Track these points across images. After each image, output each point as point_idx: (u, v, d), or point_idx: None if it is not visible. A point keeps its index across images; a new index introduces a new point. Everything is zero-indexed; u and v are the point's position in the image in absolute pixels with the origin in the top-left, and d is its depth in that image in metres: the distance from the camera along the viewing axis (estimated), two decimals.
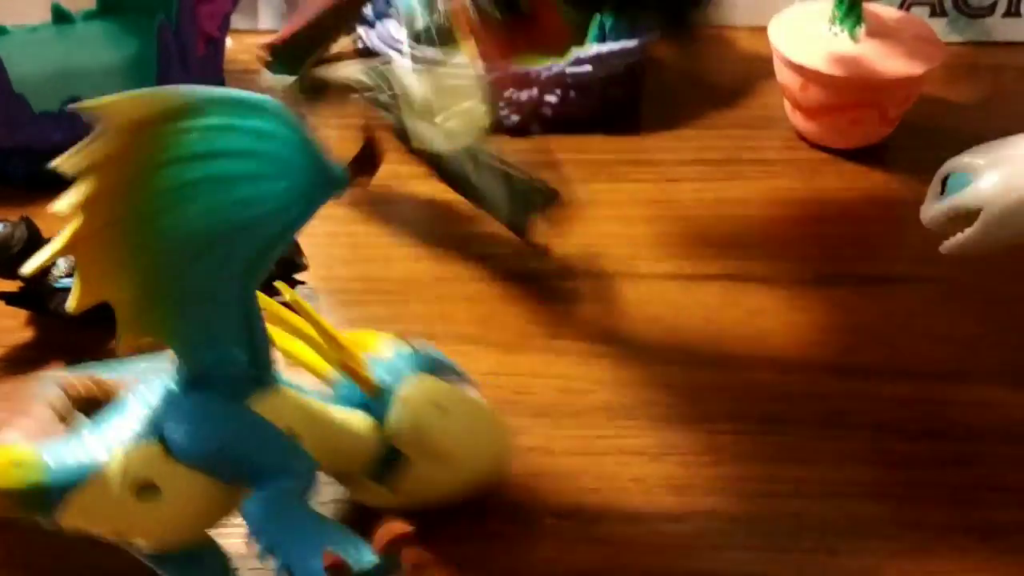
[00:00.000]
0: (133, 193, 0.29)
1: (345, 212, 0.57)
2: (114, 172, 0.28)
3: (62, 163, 0.28)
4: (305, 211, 0.31)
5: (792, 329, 0.47)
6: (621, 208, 0.56)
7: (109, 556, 0.34)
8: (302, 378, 0.36)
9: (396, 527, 0.30)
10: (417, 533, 0.30)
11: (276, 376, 0.34)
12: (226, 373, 0.32)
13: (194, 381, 0.32)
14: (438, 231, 0.55)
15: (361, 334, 0.38)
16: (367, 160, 0.32)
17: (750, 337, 0.45)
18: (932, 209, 0.39)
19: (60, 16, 0.61)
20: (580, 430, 0.42)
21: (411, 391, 0.36)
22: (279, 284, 0.37)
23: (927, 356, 0.40)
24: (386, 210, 0.57)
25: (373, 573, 0.30)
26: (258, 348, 0.33)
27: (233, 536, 0.34)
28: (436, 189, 0.59)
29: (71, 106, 0.28)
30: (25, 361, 0.46)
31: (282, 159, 0.30)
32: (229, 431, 0.32)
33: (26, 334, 0.47)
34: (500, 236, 0.54)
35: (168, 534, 0.32)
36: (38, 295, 0.45)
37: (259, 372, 0.33)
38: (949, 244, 0.41)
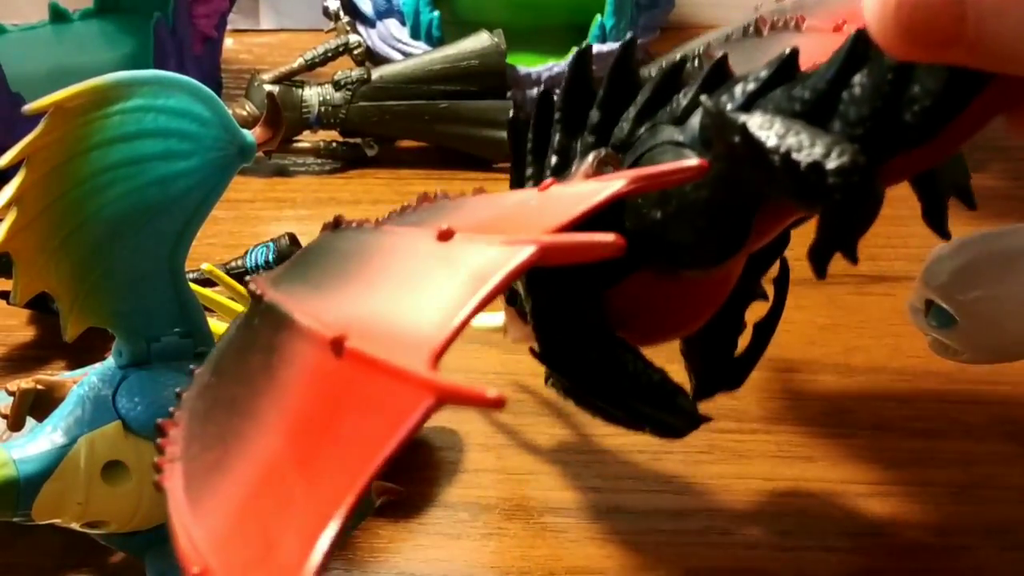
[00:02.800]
0: (61, 180, 0.30)
1: (345, 212, 0.57)
2: (45, 162, 0.29)
3: (2, 159, 0.29)
4: (220, 183, 0.32)
5: (792, 329, 0.47)
6: None
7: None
8: None
9: None
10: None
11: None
12: (167, 351, 0.33)
13: (137, 362, 0.33)
14: None
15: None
16: (272, 122, 0.34)
17: (750, 336, 0.45)
18: (918, 321, 0.39)
19: (57, 15, 0.61)
20: (581, 429, 0.42)
21: None
22: (211, 269, 0.38)
23: (927, 356, 0.40)
24: (386, 210, 0.57)
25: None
26: (195, 323, 0.34)
27: None
28: (435, 189, 0.59)
29: (24, 109, 0.29)
30: (25, 361, 0.46)
31: (193, 135, 0.31)
32: None
33: (27, 334, 0.47)
34: None
35: (141, 512, 0.33)
36: (39, 295, 0.45)
37: (198, 346, 0.34)
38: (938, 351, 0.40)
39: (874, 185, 0.25)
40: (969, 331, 0.38)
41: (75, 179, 0.30)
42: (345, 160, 0.60)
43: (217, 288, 0.38)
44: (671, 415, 0.32)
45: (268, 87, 0.59)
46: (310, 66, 0.60)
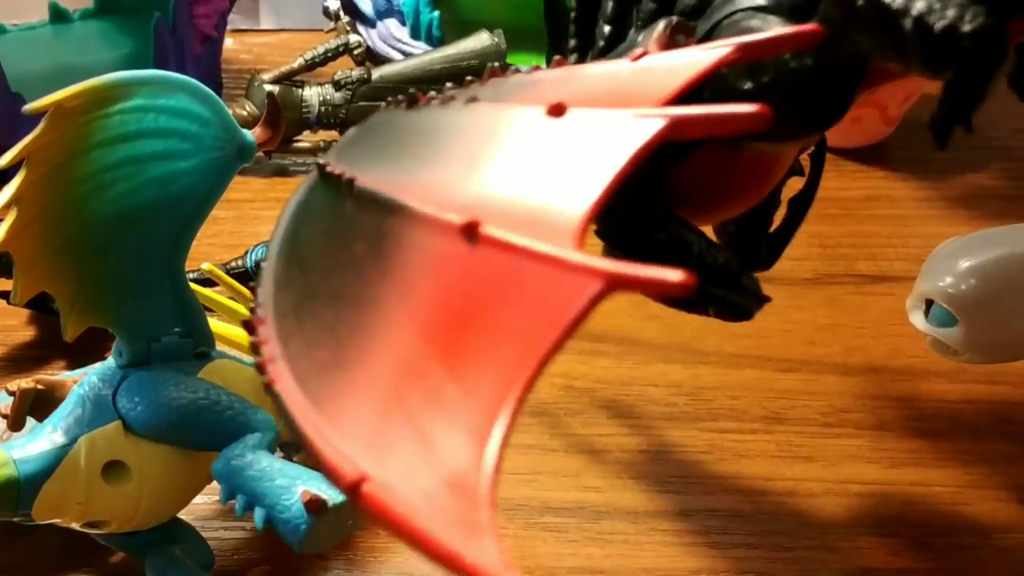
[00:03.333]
0: (61, 180, 0.30)
1: None
2: (45, 162, 0.29)
3: (2, 158, 0.29)
4: (219, 183, 0.32)
5: (792, 329, 0.47)
6: None
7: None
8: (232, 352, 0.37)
9: None
10: None
11: (215, 350, 0.35)
12: (167, 351, 0.33)
13: (138, 362, 0.33)
14: None
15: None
16: (272, 122, 0.34)
17: (750, 336, 0.45)
18: (917, 321, 0.39)
19: (58, 15, 0.61)
20: (581, 428, 0.42)
21: None
22: (211, 268, 0.38)
23: (927, 356, 0.40)
24: None
25: (348, 505, 0.31)
26: (195, 323, 0.34)
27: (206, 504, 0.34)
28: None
29: (24, 109, 0.29)
30: (26, 361, 0.46)
31: (193, 135, 0.31)
32: (184, 399, 0.33)
33: (27, 334, 0.47)
34: None
35: (141, 512, 0.33)
36: (39, 295, 0.45)
37: (198, 346, 0.34)
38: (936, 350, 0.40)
39: (1007, 47, 0.24)
40: (969, 331, 0.38)
41: (75, 179, 0.30)
42: None
43: (217, 288, 0.38)
44: (738, 294, 0.31)
45: (268, 87, 0.59)
46: (310, 66, 0.60)
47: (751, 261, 0.34)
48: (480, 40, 0.59)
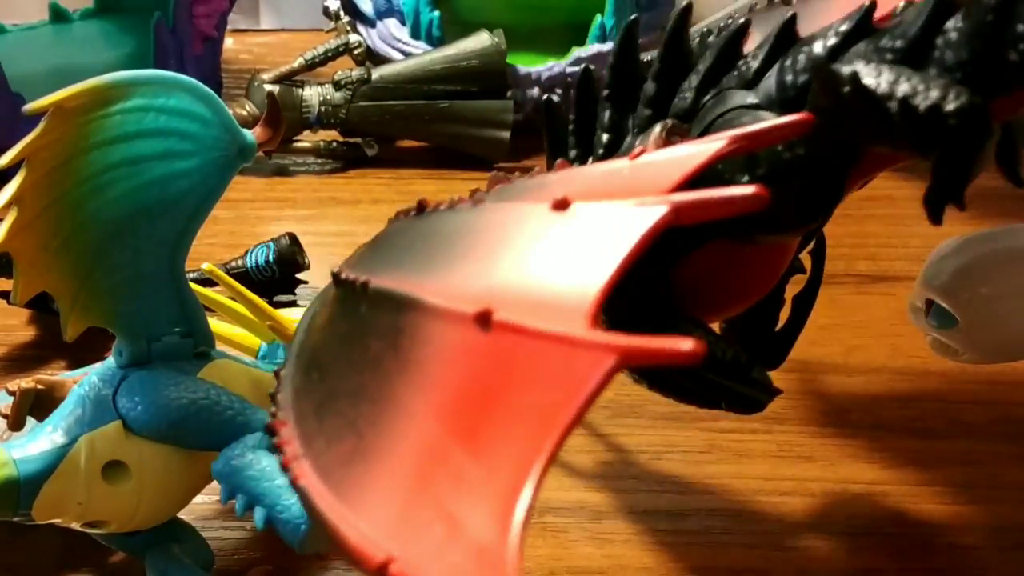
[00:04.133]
0: (61, 180, 0.30)
1: (345, 212, 0.57)
2: (45, 162, 0.29)
3: (2, 158, 0.29)
4: (220, 183, 0.32)
5: None
6: None
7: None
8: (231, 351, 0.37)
9: None
10: None
11: (215, 350, 0.35)
12: (167, 351, 0.33)
13: (138, 362, 0.33)
14: None
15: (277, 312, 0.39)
16: (272, 122, 0.34)
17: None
18: (919, 321, 0.39)
19: (58, 15, 0.61)
20: (581, 428, 0.42)
21: None
22: (211, 268, 0.38)
23: (927, 356, 0.40)
24: (386, 209, 0.57)
25: None
26: (195, 323, 0.34)
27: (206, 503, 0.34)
28: (436, 188, 0.59)
29: (24, 109, 0.29)
30: (26, 360, 0.46)
31: (193, 135, 0.31)
32: (184, 399, 0.33)
33: (27, 333, 0.47)
34: None
35: (141, 512, 0.33)
36: (39, 295, 0.45)
37: (198, 346, 0.34)
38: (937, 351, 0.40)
39: (991, 125, 0.25)
40: (970, 331, 0.38)
41: (75, 179, 0.30)
42: (345, 160, 0.60)
43: (217, 288, 0.38)
44: (749, 387, 0.31)
45: (268, 87, 0.59)
46: (310, 66, 0.60)
47: (758, 360, 0.34)
48: (480, 40, 0.59)
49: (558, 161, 0.30)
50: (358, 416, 0.20)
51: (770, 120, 0.24)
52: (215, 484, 0.33)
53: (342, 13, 0.63)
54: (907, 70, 0.25)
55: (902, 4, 0.27)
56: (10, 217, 0.29)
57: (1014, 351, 0.39)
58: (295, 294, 0.49)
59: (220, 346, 0.36)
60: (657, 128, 0.28)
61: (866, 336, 0.47)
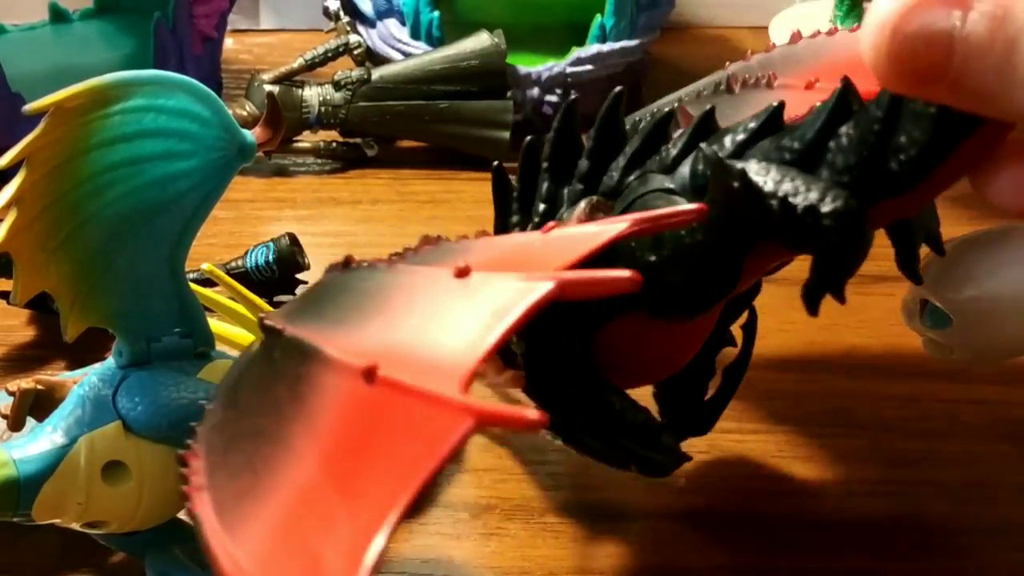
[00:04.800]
0: (61, 180, 0.30)
1: (345, 212, 0.57)
2: (45, 162, 0.29)
3: (2, 159, 0.29)
4: (220, 183, 0.32)
5: (792, 329, 0.47)
6: None
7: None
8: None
9: None
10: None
11: (215, 350, 0.35)
12: (167, 351, 0.33)
13: (138, 362, 0.33)
14: (438, 230, 0.55)
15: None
16: (272, 122, 0.34)
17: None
18: (912, 321, 0.39)
19: (57, 15, 0.61)
20: None
21: None
22: (211, 268, 0.38)
23: (927, 356, 0.40)
24: (386, 209, 0.57)
25: None
26: (195, 323, 0.34)
27: None
28: (436, 189, 0.59)
29: (24, 109, 0.29)
30: (25, 361, 0.46)
31: (193, 135, 0.31)
32: (184, 399, 0.33)
33: (27, 334, 0.47)
34: None
35: (141, 512, 0.33)
36: (39, 295, 0.45)
37: (198, 346, 0.34)
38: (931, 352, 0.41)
39: (865, 228, 0.26)
40: (964, 331, 0.38)
41: (75, 179, 0.30)
42: (345, 160, 0.60)
43: (217, 288, 0.38)
44: (656, 452, 0.33)
45: (268, 87, 0.59)
46: (310, 66, 0.60)
47: (685, 427, 0.37)
48: (480, 40, 0.59)
49: (479, 230, 0.32)
50: (256, 456, 0.22)
51: (675, 206, 0.27)
52: None
53: (342, 13, 0.63)
54: (794, 171, 0.27)
55: (819, 104, 0.28)
56: (10, 217, 0.29)
57: (1009, 350, 0.39)
58: (295, 294, 0.49)
59: (220, 346, 0.36)
60: (583, 204, 0.31)
61: (866, 336, 0.47)
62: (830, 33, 0.39)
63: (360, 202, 0.58)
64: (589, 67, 0.61)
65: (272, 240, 0.48)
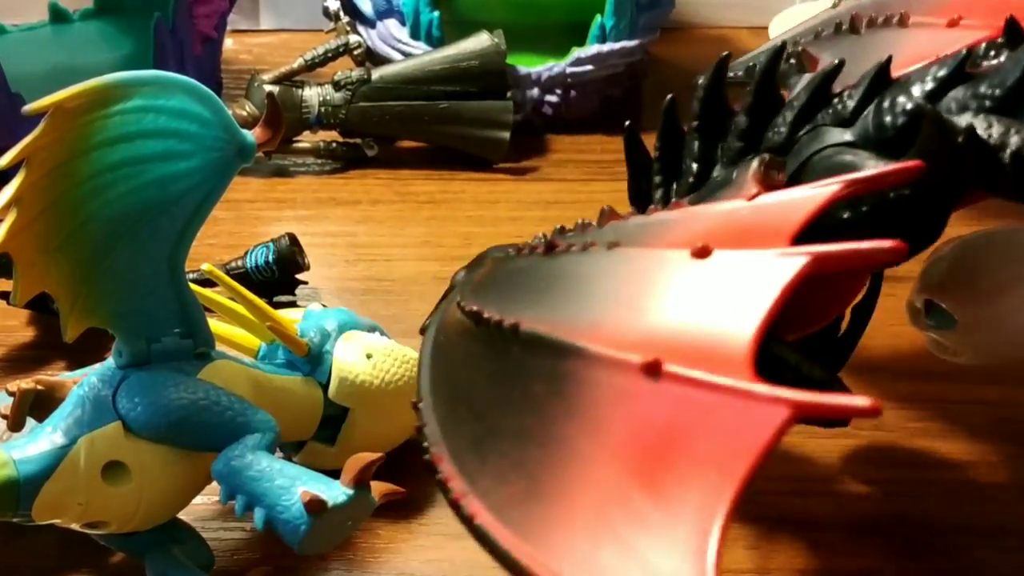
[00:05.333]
0: (61, 180, 0.30)
1: (345, 212, 0.57)
2: (45, 162, 0.29)
3: (2, 159, 0.29)
4: (219, 184, 0.32)
5: None
6: (622, 207, 0.56)
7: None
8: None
9: (365, 456, 0.31)
10: (385, 464, 0.31)
11: (215, 350, 0.35)
12: (167, 351, 0.33)
13: (138, 363, 0.33)
14: (438, 230, 0.55)
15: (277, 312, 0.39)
16: (272, 122, 0.34)
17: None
18: (917, 321, 0.39)
19: (57, 15, 0.61)
20: None
21: (341, 344, 0.38)
22: (211, 269, 0.38)
23: (927, 356, 0.40)
24: (386, 210, 0.57)
25: (348, 506, 0.31)
26: (195, 323, 0.34)
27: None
28: (436, 188, 0.59)
29: (24, 109, 0.29)
30: (26, 361, 0.46)
31: (193, 135, 0.31)
32: (184, 399, 0.33)
33: (27, 334, 0.47)
34: (501, 235, 0.54)
35: (141, 512, 0.33)
36: (39, 295, 0.45)
37: (198, 347, 0.34)
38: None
39: None
40: (968, 331, 0.37)
41: (75, 179, 0.30)
42: (345, 160, 0.60)
43: (217, 288, 0.38)
44: None
45: (268, 87, 0.59)
46: (310, 66, 0.60)
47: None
48: (480, 40, 0.59)
49: (672, 201, 0.31)
50: (526, 457, 0.21)
51: (876, 163, 0.26)
52: (215, 485, 0.33)
53: (342, 13, 0.63)
54: (1016, 123, 0.26)
55: (984, 44, 0.28)
56: (10, 218, 0.29)
57: (1012, 351, 0.39)
58: (295, 294, 0.49)
59: (220, 346, 0.36)
60: (755, 163, 0.30)
61: (866, 336, 0.47)
62: None
63: (360, 202, 0.58)
64: (589, 67, 0.61)
65: (272, 240, 0.48)
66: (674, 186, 0.34)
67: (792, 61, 0.35)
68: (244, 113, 0.58)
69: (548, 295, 0.25)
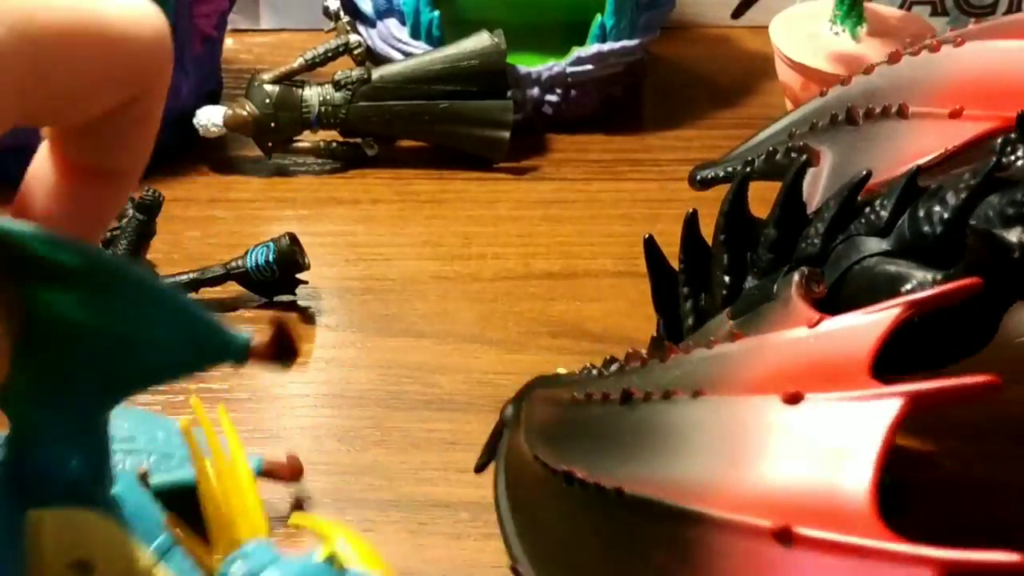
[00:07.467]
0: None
1: (345, 212, 0.57)
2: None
3: None
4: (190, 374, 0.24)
5: None
6: (622, 207, 0.56)
7: None
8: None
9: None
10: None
11: (117, 504, 0.26)
12: (53, 473, 0.25)
13: (14, 472, 0.24)
14: (438, 230, 0.55)
15: (320, 523, 0.32)
16: (282, 348, 0.27)
17: None
18: None
19: None
20: None
21: None
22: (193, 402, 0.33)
23: None
24: (386, 210, 0.57)
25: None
26: (97, 455, 0.25)
27: None
28: (436, 188, 0.59)
29: None
30: None
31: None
32: None
33: None
34: (501, 235, 0.54)
35: None
36: None
37: (92, 486, 0.25)
38: None
39: None
40: None
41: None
42: (345, 160, 0.60)
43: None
44: None
45: (268, 87, 0.59)
46: (310, 66, 0.60)
47: None
48: (480, 40, 0.59)
49: (728, 328, 0.31)
50: None
51: (926, 275, 0.27)
52: None
53: (342, 13, 0.63)
54: None
55: (1000, 140, 0.29)
56: None
57: (1013, 351, 0.39)
58: (295, 294, 0.49)
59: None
60: (796, 276, 0.30)
61: None
62: (933, 49, 0.36)
63: (360, 202, 0.58)
64: (589, 67, 0.61)
65: (272, 240, 0.48)
66: (703, 297, 0.34)
67: (793, 155, 0.36)
68: (244, 113, 0.58)
69: (641, 451, 0.25)
